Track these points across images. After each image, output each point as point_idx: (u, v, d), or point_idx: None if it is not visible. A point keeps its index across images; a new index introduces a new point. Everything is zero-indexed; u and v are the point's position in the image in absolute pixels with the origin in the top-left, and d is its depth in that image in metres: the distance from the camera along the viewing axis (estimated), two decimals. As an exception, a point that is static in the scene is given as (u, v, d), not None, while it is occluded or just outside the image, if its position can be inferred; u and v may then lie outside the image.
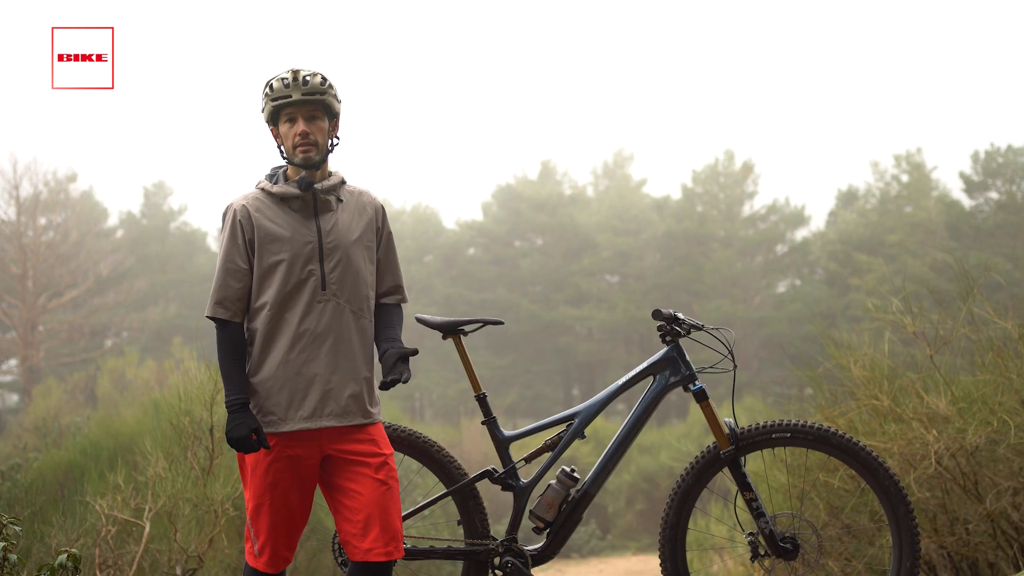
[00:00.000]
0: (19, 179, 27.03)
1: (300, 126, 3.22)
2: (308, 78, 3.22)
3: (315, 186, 3.25)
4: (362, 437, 3.23)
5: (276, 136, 3.31)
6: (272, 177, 3.35)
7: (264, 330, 3.19)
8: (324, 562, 8.87)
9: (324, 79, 3.27)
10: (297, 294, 3.19)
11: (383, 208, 3.45)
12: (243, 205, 3.24)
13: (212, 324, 3.26)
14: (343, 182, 3.37)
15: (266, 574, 3.23)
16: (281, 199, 3.26)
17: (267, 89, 3.25)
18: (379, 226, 3.41)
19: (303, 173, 3.27)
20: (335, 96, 3.30)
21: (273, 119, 3.28)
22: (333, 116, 3.32)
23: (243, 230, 3.21)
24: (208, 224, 44.44)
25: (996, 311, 5.60)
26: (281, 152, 3.32)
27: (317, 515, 7.35)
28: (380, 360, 3.31)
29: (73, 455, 10.56)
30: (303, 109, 3.23)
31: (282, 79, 3.22)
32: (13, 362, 29.71)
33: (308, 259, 3.21)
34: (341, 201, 3.34)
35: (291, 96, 3.20)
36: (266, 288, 3.19)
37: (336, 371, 3.20)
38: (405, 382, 3.22)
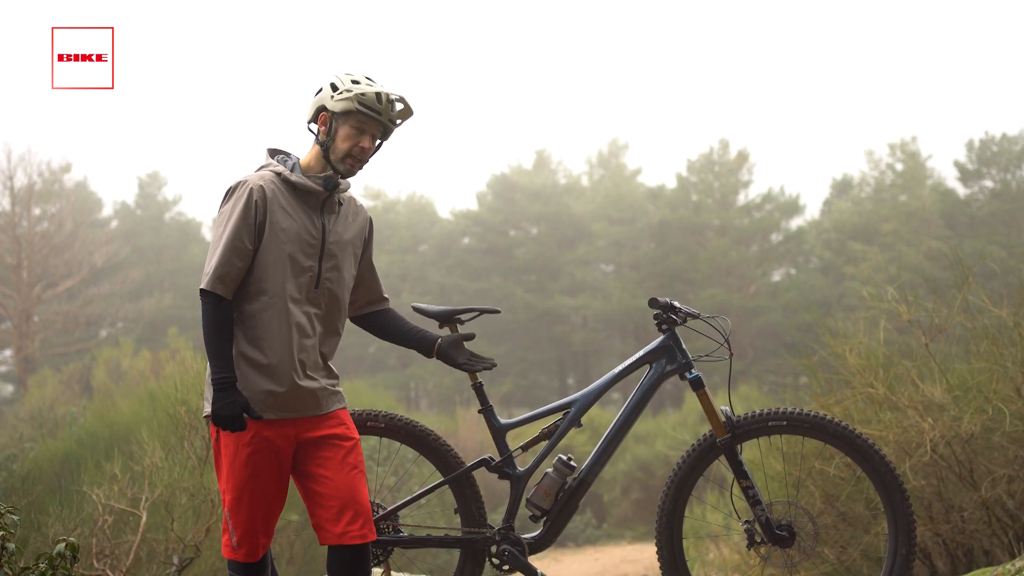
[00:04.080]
0: (13, 169, 26.89)
1: (365, 142, 3.25)
2: (399, 106, 3.26)
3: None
4: (333, 422, 3.29)
5: (325, 124, 3.25)
6: (287, 164, 3.32)
7: (257, 318, 3.16)
8: (320, 552, 8.89)
9: (404, 110, 3.29)
10: (294, 287, 3.20)
11: (371, 221, 3.52)
12: (261, 186, 3.17)
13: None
14: (348, 186, 3.39)
15: (247, 564, 3.23)
16: (297, 190, 3.24)
17: (357, 89, 3.21)
18: (367, 237, 3.49)
19: (328, 172, 3.27)
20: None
21: (343, 116, 3.23)
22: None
23: (257, 211, 3.14)
24: (202, 214, 44.34)
25: (991, 299, 5.62)
26: (319, 140, 3.27)
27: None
28: (436, 348, 3.58)
29: (69, 445, 10.57)
30: (377, 128, 3.26)
31: (379, 94, 3.21)
32: (8, 352, 29.62)
33: (309, 255, 3.22)
34: (340, 205, 3.36)
35: (379, 117, 3.22)
36: (266, 276, 3.16)
37: (318, 364, 3.26)
38: (492, 367, 3.72)
